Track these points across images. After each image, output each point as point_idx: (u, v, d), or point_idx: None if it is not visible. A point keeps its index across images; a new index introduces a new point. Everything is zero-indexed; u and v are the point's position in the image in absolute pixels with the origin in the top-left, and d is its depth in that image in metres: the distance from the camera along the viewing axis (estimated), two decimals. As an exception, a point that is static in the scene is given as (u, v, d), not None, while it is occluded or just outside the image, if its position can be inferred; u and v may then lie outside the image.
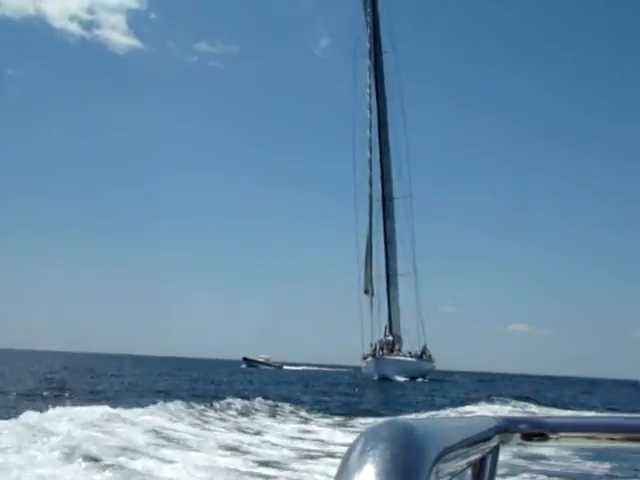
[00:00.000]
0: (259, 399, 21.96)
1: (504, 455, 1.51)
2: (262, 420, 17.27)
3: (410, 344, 63.23)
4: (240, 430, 14.54)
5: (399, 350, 61.99)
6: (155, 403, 16.24)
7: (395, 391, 38.64)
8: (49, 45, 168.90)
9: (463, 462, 1.08)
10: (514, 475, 8.88)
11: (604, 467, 9.98)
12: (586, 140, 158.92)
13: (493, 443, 1.38)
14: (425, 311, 66.24)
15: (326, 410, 21.64)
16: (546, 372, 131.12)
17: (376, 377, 54.44)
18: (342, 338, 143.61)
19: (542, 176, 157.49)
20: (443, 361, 66.59)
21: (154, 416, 14.09)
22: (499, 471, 1.47)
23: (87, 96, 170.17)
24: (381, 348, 60.75)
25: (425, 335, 63.23)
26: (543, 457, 10.39)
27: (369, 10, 66.28)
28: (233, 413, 17.94)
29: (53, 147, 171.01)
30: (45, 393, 21.86)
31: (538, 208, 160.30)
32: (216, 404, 18.79)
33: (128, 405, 15.37)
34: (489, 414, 1.77)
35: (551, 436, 1.54)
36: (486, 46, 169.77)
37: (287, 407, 21.34)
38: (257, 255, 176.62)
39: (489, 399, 25.53)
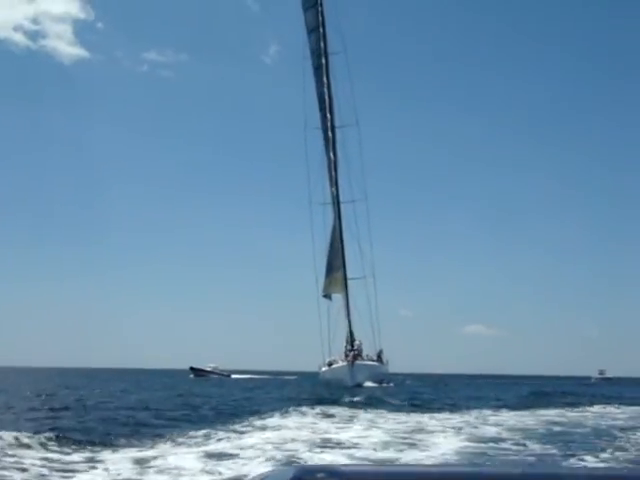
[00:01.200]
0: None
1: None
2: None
3: (366, 348, 62.00)
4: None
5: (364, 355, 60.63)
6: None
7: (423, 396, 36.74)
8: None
9: None
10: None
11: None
12: (544, 138, 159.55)
13: None
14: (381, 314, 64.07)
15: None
16: (503, 372, 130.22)
17: (350, 384, 52.38)
18: (291, 344, 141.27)
19: (504, 180, 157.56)
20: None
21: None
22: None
23: (34, 107, 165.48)
24: (353, 354, 59.26)
25: (381, 339, 62.04)
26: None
27: (318, 9, 65.17)
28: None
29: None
30: None
31: (494, 211, 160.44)
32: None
33: None
34: None
35: None
36: (456, 41, 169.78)
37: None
38: (202, 262, 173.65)
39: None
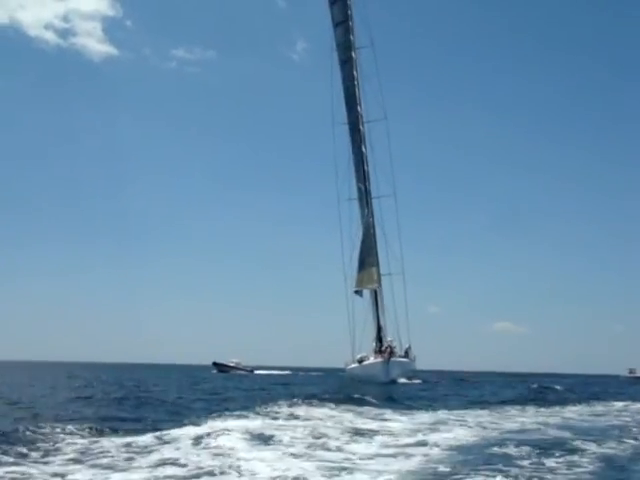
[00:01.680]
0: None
1: None
2: None
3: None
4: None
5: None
6: None
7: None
8: (25, 54, 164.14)
9: None
10: None
11: None
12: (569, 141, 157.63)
13: None
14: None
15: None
16: (529, 370, 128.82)
17: (385, 380, 52.59)
18: (314, 341, 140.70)
19: (528, 178, 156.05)
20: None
21: None
22: None
23: (64, 104, 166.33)
24: (389, 351, 59.30)
25: (410, 336, 61.61)
26: None
27: (345, 2, 64.51)
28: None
29: (31, 156, 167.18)
30: None
31: (520, 209, 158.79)
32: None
33: None
34: None
35: None
36: (477, 45, 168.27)
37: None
38: (228, 257, 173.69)
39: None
